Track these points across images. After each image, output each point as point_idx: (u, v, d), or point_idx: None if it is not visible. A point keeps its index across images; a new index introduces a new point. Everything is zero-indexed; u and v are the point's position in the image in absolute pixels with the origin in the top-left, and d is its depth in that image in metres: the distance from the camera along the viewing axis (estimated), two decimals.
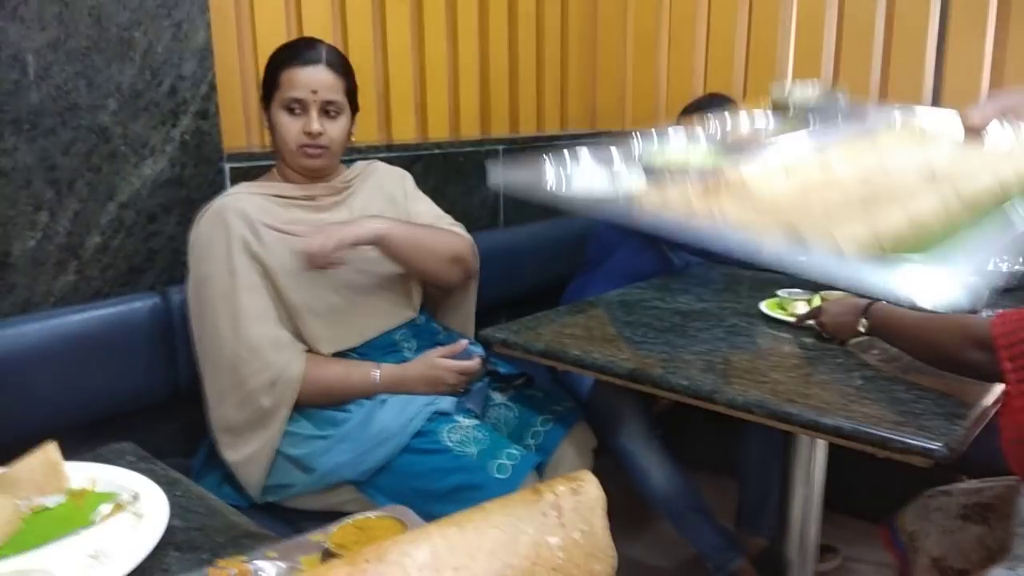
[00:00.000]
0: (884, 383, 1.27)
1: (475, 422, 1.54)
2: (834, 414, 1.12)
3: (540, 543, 0.70)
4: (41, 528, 0.85)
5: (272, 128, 1.56)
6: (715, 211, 0.84)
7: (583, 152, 1.12)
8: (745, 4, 2.50)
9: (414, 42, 2.24)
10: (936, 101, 2.22)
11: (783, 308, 1.69)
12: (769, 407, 1.17)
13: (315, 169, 1.59)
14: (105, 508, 0.87)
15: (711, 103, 2.07)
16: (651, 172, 1.05)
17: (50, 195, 1.51)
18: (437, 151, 2.27)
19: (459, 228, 1.77)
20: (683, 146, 1.21)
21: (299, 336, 1.53)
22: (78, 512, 0.88)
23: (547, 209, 2.53)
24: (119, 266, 1.62)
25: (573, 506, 0.73)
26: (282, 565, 0.71)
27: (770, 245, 0.76)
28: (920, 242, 0.77)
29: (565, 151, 1.08)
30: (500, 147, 2.46)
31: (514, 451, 1.47)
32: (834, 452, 1.56)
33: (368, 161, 1.78)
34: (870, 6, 2.25)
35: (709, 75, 2.62)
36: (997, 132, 1.04)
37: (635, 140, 1.21)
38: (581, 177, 1.02)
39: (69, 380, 1.50)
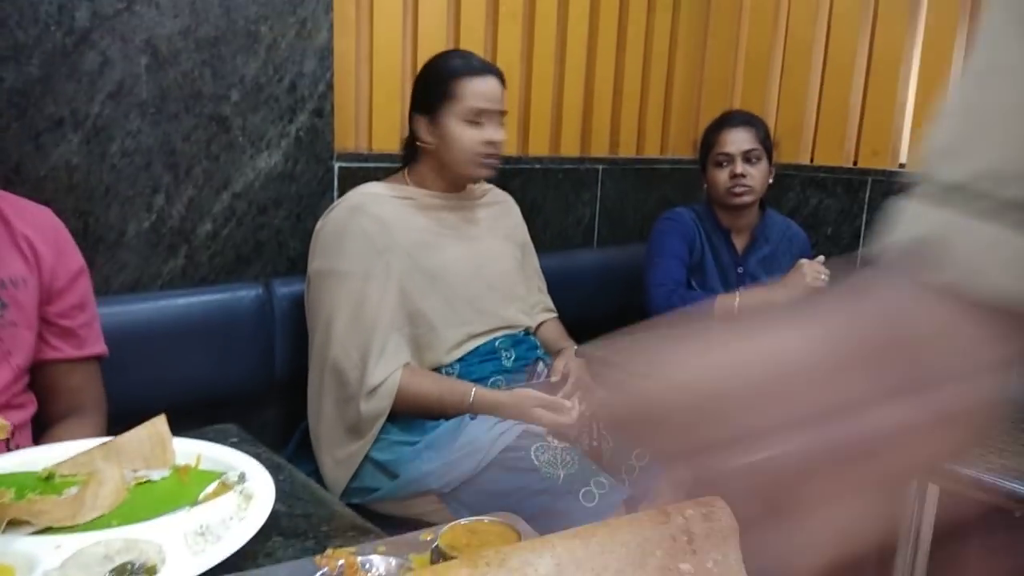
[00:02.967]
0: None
1: (565, 445, 1.49)
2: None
3: (670, 568, 0.64)
4: (147, 501, 0.84)
5: (442, 139, 1.55)
6: None
7: None
8: (867, 31, 2.40)
9: (523, 58, 2.23)
10: None
11: None
12: None
13: (483, 179, 1.62)
14: (211, 486, 0.86)
15: (735, 119, 2.01)
16: None
17: (168, 179, 1.54)
18: (538, 166, 2.25)
19: (548, 300, 1.82)
20: None
21: (412, 339, 1.52)
22: (183, 488, 0.87)
23: (642, 230, 2.49)
24: (227, 254, 1.64)
25: (706, 533, 0.67)
26: (392, 561, 0.67)
27: None
28: None
29: None
30: (600, 167, 2.42)
31: (603, 480, 1.42)
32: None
33: (491, 185, 1.79)
34: None
35: (823, 106, 2.52)
36: None
37: None
38: None
39: (170, 362, 1.52)
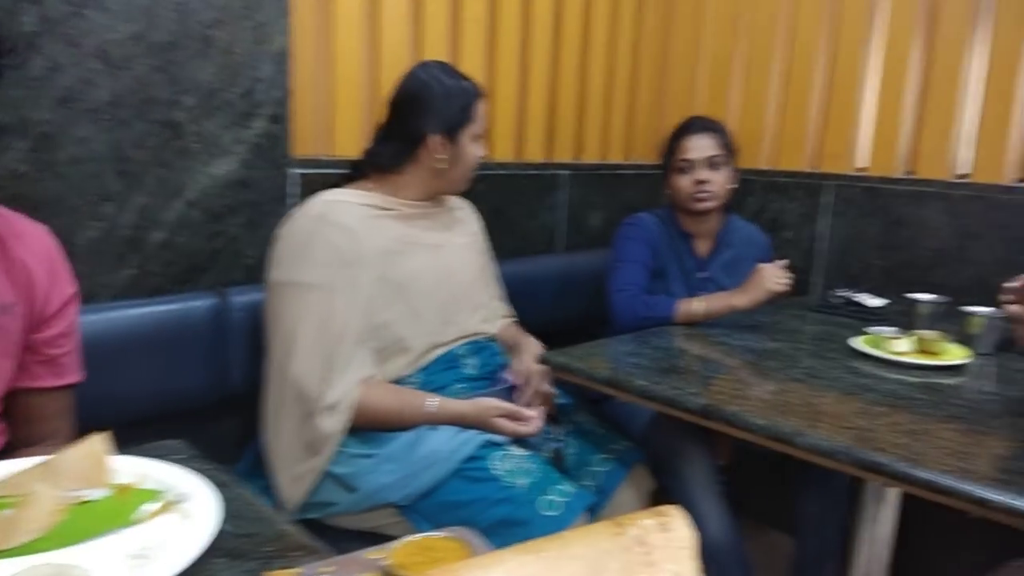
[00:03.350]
0: (981, 436, 1.17)
1: (527, 452, 1.47)
2: (928, 467, 1.03)
3: None
4: (83, 522, 0.80)
5: (456, 157, 1.57)
6: None
7: None
8: (827, 36, 2.42)
9: (486, 62, 2.21)
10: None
11: (876, 345, 1.60)
12: (857, 456, 1.08)
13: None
14: (151, 506, 0.82)
15: (697, 125, 2.02)
16: None
17: (118, 187, 1.50)
18: (501, 172, 2.23)
19: (502, 306, 1.82)
20: None
21: (377, 352, 1.49)
22: (122, 508, 0.83)
23: (606, 236, 2.48)
24: (180, 264, 1.60)
25: (662, 543, 0.66)
26: None
27: None
28: None
29: None
30: (564, 172, 2.42)
31: (567, 488, 1.40)
32: (900, 514, 1.46)
33: None
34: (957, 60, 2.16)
35: (783, 114, 2.54)
36: None
37: None
38: None
39: (121, 374, 1.47)
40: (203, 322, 1.57)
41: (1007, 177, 2.11)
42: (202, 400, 1.62)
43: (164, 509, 0.81)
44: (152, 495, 0.85)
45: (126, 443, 1.02)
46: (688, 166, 1.99)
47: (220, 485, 0.87)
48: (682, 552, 0.66)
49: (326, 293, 1.43)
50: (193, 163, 1.58)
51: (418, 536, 0.71)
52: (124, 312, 1.50)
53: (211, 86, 1.58)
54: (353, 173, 1.61)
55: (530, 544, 0.63)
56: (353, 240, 1.46)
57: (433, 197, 1.62)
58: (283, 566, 0.73)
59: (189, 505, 0.80)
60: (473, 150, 1.58)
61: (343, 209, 1.49)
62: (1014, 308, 1.24)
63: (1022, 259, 2.06)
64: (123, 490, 0.86)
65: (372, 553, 0.72)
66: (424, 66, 1.58)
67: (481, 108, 1.58)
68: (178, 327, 1.55)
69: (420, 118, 1.53)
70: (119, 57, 1.46)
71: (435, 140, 1.53)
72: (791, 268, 1.84)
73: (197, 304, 1.57)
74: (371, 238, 1.48)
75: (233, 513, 0.84)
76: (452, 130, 1.54)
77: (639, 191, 2.66)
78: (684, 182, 1.99)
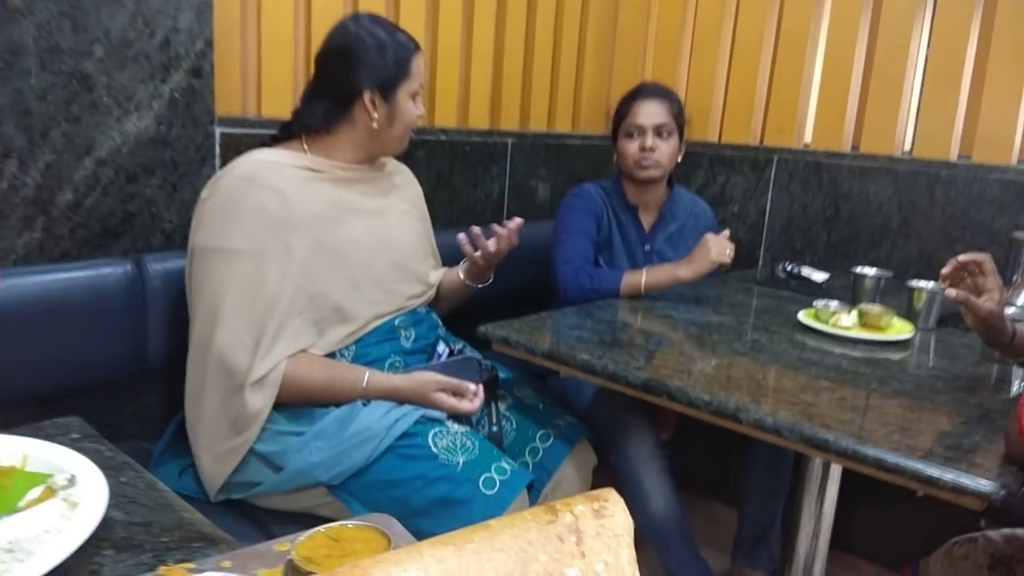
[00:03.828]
0: (927, 412, 1.15)
1: (465, 428, 1.41)
2: (876, 444, 1.00)
3: (555, 574, 0.57)
4: None
5: (391, 115, 1.46)
6: None
7: None
8: (774, 11, 2.39)
9: (428, 26, 2.11)
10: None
11: (820, 319, 1.58)
12: (803, 432, 1.04)
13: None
14: (35, 492, 0.74)
15: (650, 91, 1.96)
16: None
17: (21, 142, 1.37)
18: (443, 138, 2.14)
19: (437, 267, 1.74)
20: None
21: (316, 324, 1.40)
22: (5, 494, 0.74)
23: (552, 207, 2.42)
24: (91, 227, 1.48)
25: (596, 531, 0.60)
26: None
27: None
28: None
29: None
30: (509, 140, 2.34)
31: (504, 465, 1.35)
32: (843, 486, 1.45)
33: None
34: (905, 34, 2.14)
35: (730, 88, 2.51)
36: None
37: None
38: None
39: (24, 347, 1.35)
40: (117, 291, 1.46)
41: (951, 153, 2.11)
42: (119, 374, 1.51)
43: (46, 495, 0.72)
44: (37, 479, 0.76)
45: (39, 419, 0.93)
46: (637, 131, 1.93)
47: (117, 468, 0.79)
48: (618, 540, 0.61)
49: (255, 259, 1.33)
50: (104, 119, 1.46)
51: (330, 526, 0.63)
52: (28, 279, 1.37)
53: (124, 35, 1.46)
54: (281, 134, 1.50)
55: (455, 535, 0.57)
56: (284, 203, 1.36)
57: (369, 159, 1.52)
58: (180, 559, 0.66)
59: (76, 490, 0.72)
60: (410, 108, 1.48)
61: (274, 170, 1.39)
62: (951, 292, 1.23)
63: (965, 234, 2.06)
64: (5, 474, 0.77)
65: (281, 545, 0.65)
66: (355, 18, 1.48)
67: (418, 63, 1.48)
68: (89, 296, 1.43)
69: (352, 74, 1.43)
70: (19, 1, 1.33)
71: (369, 97, 1.43)
72: (736, 241, 1.81)
73: (110, 271, 1.45)
74: (304, 202, 1.39)
75: (129, 499, 0.75)
76: (387, 87, 1.44)
77: (586, 161, 2.60)
78: (631, 147, 1.93)
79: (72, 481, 0.73)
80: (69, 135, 1.42)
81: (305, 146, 1.47)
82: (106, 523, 0.68)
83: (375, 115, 1.44)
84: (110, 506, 0.71)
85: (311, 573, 0.57)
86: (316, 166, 1.44)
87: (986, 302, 1.22)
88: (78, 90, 1.42)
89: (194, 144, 1.58)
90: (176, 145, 1.56)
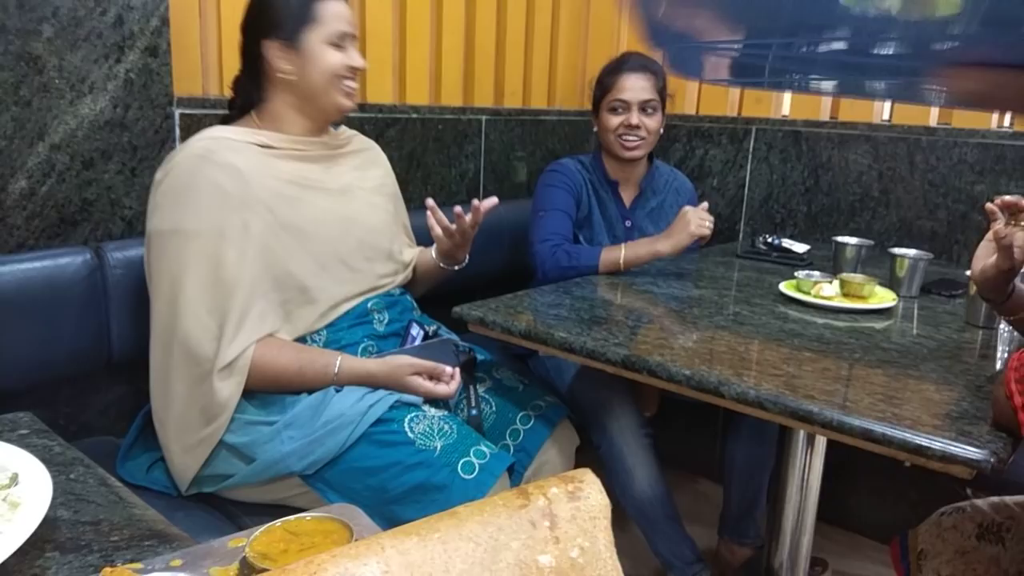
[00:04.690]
0: (913, 381, 1.13)
1: (443, 412, 1.37)
2: (861, 415, 0.97)
3: (527, 562, 0.54)
4: None
5: (303, 64, 1.39)
6: None
7: None
8: None
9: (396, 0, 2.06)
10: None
11: (802, 290, 1.55)
12: (786, 404, 1.01)
13: (347, 111, 1.46)
14: None
15: (634, 62, 1.90)
16: None
17: None
18: (415, 115, 2.09)
19: (412, 247, 1.69)
20: None
21: (282, 306, 1.35)
22: None
23: (529, 185, 2.38)
24: (48, 216, 1.42)
25: (570, 515, 0.56)
26: None
27: None
28: None
29: None
30: (483, 117, 2.29)
31: (484, 449, 1.31)
32: (828, 459, 1.43)
33: (353, 131, 1.62)
34: None
35: None
36: None
37: None
38: None
39: None
40: (77, 281, 1.40)
41: (930, 119, 2.09)
42: (82, 368, 1.46)
43: None
44: None
45: None
46: (622, 106, 1.88)
47: (66, 464, 0.74)
48: (594, 523, 0.57)
49: (213, 240, 1.28)
50: (57, 101, 1.40)
51: (288, 519, 0.60)
52: None
53: (74, 14, 1.39)
54: (234, 112, 1.44)
55: (417, 524, 0.53)
56: (241, 181, 1.31)
57: (317, 125, 1.46)
58: (130, 559, 0.62)
59: (18, 489, 0.67)
60: (327, 54, 1.39)
61: (229, 147, 1.33)
62: (1000, 227, 1.15)
63: (945, 200, 2.04)
64: None
65: (236, 540, 0.61)
66: None
67: (332, 8, 1.39)
68: (47, 287, 1.37)
69: (257, 31, 1.39)
70: None
71: (272, 47, 1.38)
72: (715, 215, 1.78)
73: (68, 261, 1.40)
74: (261, 179, 1.34)
75: (77, 496, 0.71)
76: (291, 33, 1.37)
77: (562, 138, 2.55)
78: (614, 122, 1.88)
79: (15, 480, 0.68)
80: (20, 120, 1.36)
81: (258, 122, 1.42)
82: (51, 523, 0.64)
83: (284, 67, 1.39)
84: (56, 504, 0.66)
85: (264, 570, 0.53)
86: (271, 141, 1.39)
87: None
88: (27, 72, 1.36)
89: (153, 127, 1.52)
90: (134, 128, 1.50)
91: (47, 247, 1.43)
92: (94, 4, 1.42)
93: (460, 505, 0.56)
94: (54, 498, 0.66)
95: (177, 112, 1.56)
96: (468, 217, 1.48)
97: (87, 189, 1.46)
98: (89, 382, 1.51)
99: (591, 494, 0.58)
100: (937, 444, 0.91)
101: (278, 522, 0.58)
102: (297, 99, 1.41)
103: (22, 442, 0.78)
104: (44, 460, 0.72)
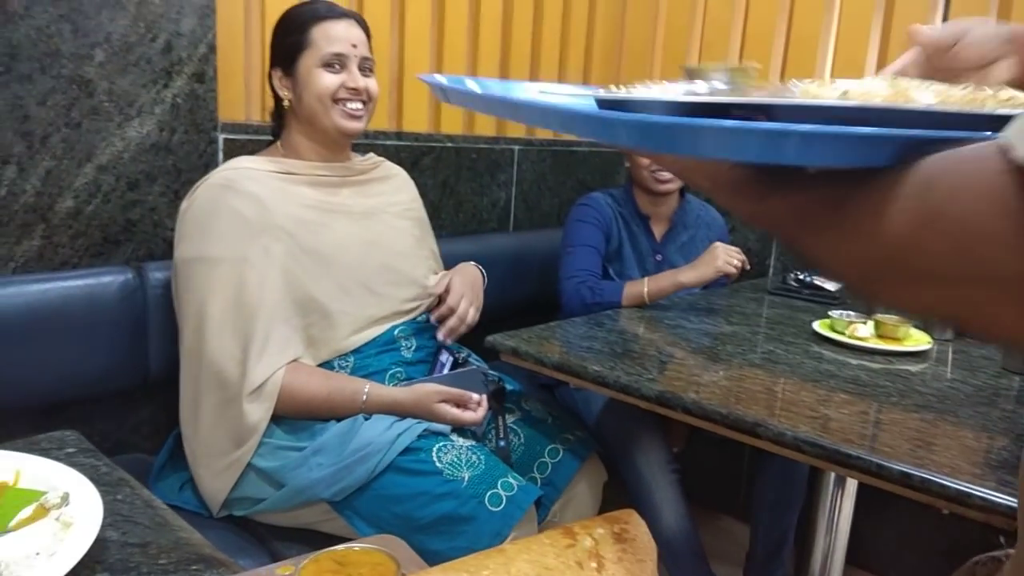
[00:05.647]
0: (950, 427, 1.11)
1: (471, 443, 1.37)
2: (901, 460, 0.96)
3: None
4: None
5: (299, 90, 1.41)
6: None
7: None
8: (785, 7, 2.36)
9: (433, 26, 2.09)
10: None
11: (836, 330, 1.54)
12: (824, 446, 1.01)
13: (350, 134, 1.45)
14: (27, 511, 0.70)
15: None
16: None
17: (20, 148, 1.35)
18: (450, 144, 2.12)
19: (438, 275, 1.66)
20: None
21: (304, 331, 1.37)
22: None
23: (559, 215, 2.39)
24: (92, 235, 1.46)
25: (617, 556, 0.57)
26: None
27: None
28: None
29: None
30: (516, 147, 2.31)
31: (511, 481, 1.30)
32: (857, 502, 1.41)
33: (381, 158, 1.64)
34: None
35: (746, 46, 2.46)
36: None
37: None
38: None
39: (23, 357, 1.33)
40: (118, 300, 1.43)
41: None
42: (119, 385, 1.48)
43: (38, 514, 0.69)
44: (30, 497, 0.73)
45: (34, 433, 0.90)
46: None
47: (113, 484, 0.75)
48: (641, 566, 0.57)
49: (236, 266, 1.31)
50: (106, 124, 1.43)
51: (336, 548, 0.60)
52: (27, 287, 1.35)
53: (125, 39, 1.43)
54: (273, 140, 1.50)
55: (466, 561, 0.54)
56: (261, 208, 1.34)
57: (331, 151, 1.48)
58: None
59: (70, 509, 0.69)
60: (318, 77, 1.40)
61: (249, 176, 1.37)
62: None
63: None
64: None
65: (281, 568, 0.62)
66: (291, 7, 1.48)
67: (324, 30, 1.40)
68: (89, 305, 1.40)
69: (271, 61, 1.45)
70: (18, 4, 1.30)
71: (276, 76, 1.44)
72: (745, 250, 1.78)
73: (110, 280, 1.42)
74: (282, 205, 1.36)
75: (125, 517, 0.72)
76: (287, 61, 1.42)
77: (594, 169, 2.57)
78: (647, 159, 1.90)
79: (66, 499, 0.70)
80: (69, 141, 1.40)
81: (281, 149, 1.46)
82: (101, 544, 0.65)
83: (285, 94, 1.43)
84: (105, 525, 0.67)
85: None
86: (292, 168, 1.43)
87: None
88: (78, 95, 1.40)
89: (197, 151, 1.56)
90: (179, 152, 1.53)
91: (90, 266, 1.45)
92: (145, 30, 1.46)
93: (505, 544, 0.57)
94: (103, 519, 0.67)
95: (221, 137, 1.59)
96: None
97: (131, 210, 1.49)
98: (124, 399, 1.53)
99: (638, 535, 0.58)
100: (978, 493, 0.90)
101: (325, 552, 0.59)
102: (302, 125, 1.45)
103: (69, 460, 0.79)
104: (91, 479, 0.74)
